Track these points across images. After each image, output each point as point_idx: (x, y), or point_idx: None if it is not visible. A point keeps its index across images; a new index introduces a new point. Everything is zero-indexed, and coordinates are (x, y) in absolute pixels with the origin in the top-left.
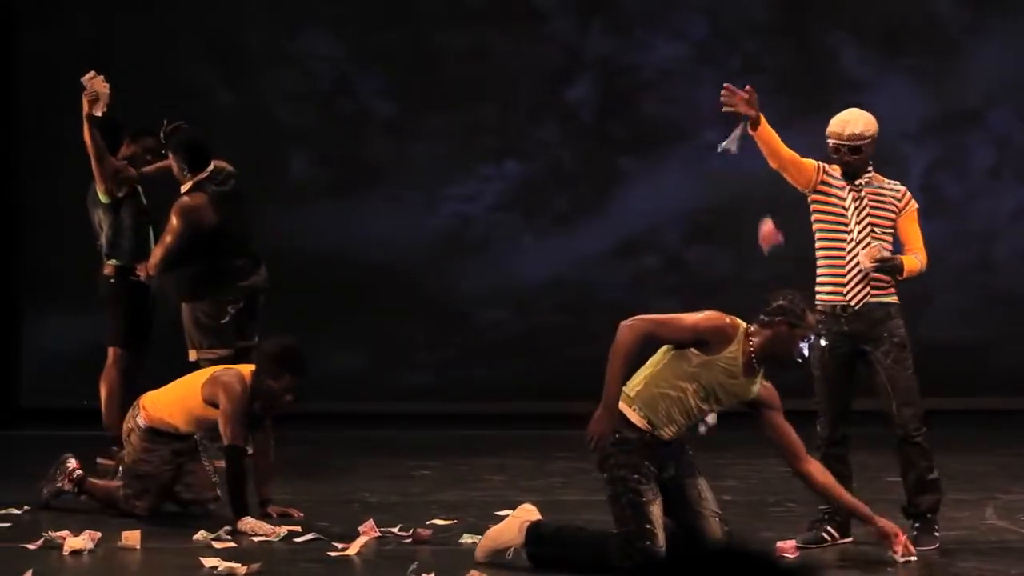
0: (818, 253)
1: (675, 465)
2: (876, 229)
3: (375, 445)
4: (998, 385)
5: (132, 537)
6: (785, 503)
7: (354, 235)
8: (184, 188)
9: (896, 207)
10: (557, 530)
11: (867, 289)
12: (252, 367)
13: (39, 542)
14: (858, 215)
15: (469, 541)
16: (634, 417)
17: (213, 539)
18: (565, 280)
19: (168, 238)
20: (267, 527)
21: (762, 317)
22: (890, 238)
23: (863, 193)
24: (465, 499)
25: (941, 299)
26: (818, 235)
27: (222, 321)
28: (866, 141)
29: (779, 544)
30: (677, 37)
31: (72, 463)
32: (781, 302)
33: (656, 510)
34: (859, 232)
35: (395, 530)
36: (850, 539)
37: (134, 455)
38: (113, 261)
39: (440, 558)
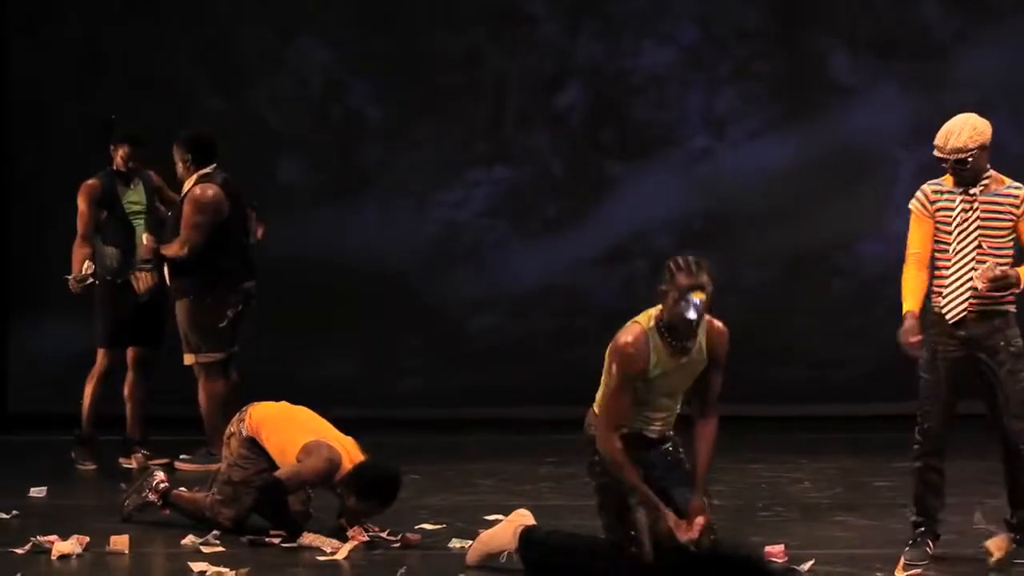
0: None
1: (665, 468)
2: (987, 239)
3: (365, 450)
4: None
5: (120, 542)
6: (773, 508)
7: (345, 240)
8: (188, 183)
9: (1014, 213)
10: (548, 535)
11: (965, 303)
12: (356, 460)
13: (27, 547)
14: (962, 225)
15: (458, 546)
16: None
17: (201, 544)
18: (556, 285)
19: (190, 232)
20: (332, 542)
21: (656, 288)
22: (1009, 245)
23: (975, 204)
24: (454, 504)
25: None
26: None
27: (220, 325)
28: (971, 153)
29: (768, 549)
30: (667, 43)
31: (159, 475)
32: (664, 269)
33: (642, 515)
34: (961, 243)
35: (384, 535)
36: (938, 551)
37: (230, 459)
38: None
39: (429, 563)
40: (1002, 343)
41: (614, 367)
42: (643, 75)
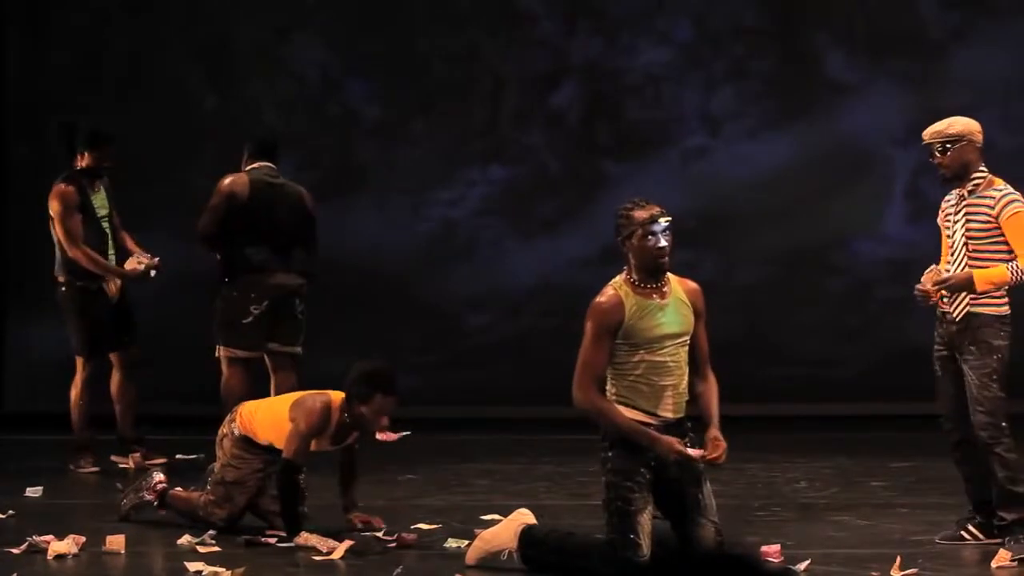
0: None
1: (679, 467)
2: (971, 242)
3: (360, 449)
4: None
5: (117, 541)
6: (770, 507)
7: (342, 239)
8: None
9: (990, 215)
10: (548, 534)
11: (966, 298)
12: (343, 394)
13: (23, 546)
14: (953, 227)
15: (454, 545)
16: (630, 414)
17: (197, 543)
18: (552, 284)
19: (203, 214)
20: (328, 543)
21: (618, 244)
22: (997, 248)
23: (962, 205)
24: (450, 503)
25: None
26: None
27: (244, 321)
28: (949, 140)
29: (764, 548)
30: (663, 41)
31: (157, 475)
32: (616, 221)
33: (644, 519)
34: (952, 244)
35: (379, 534)
36: (997, 541)
37: (223, 460)
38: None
39: (425, 562)
40: (967, 342)
41: (589, 325)
42: (639, 74)
